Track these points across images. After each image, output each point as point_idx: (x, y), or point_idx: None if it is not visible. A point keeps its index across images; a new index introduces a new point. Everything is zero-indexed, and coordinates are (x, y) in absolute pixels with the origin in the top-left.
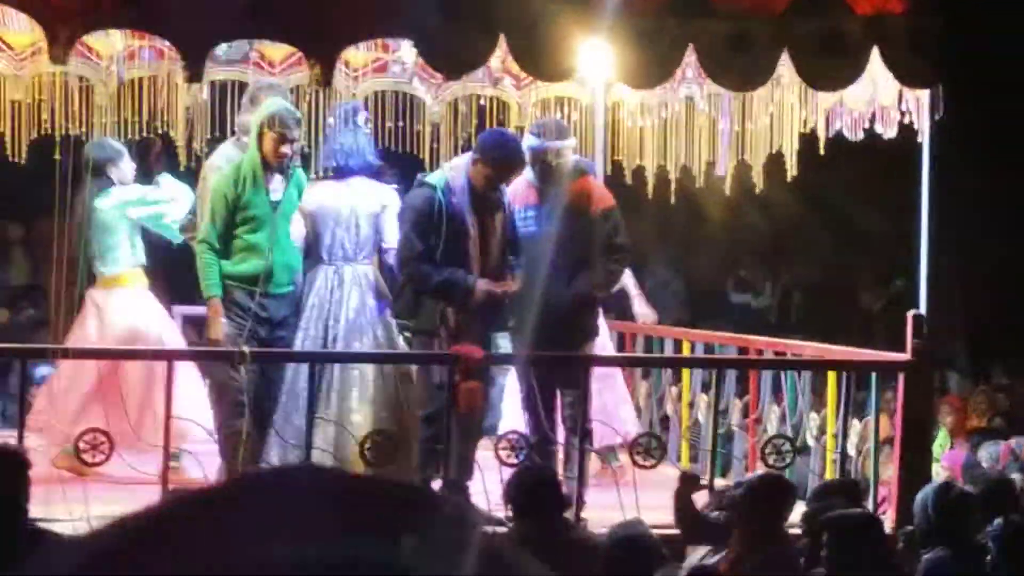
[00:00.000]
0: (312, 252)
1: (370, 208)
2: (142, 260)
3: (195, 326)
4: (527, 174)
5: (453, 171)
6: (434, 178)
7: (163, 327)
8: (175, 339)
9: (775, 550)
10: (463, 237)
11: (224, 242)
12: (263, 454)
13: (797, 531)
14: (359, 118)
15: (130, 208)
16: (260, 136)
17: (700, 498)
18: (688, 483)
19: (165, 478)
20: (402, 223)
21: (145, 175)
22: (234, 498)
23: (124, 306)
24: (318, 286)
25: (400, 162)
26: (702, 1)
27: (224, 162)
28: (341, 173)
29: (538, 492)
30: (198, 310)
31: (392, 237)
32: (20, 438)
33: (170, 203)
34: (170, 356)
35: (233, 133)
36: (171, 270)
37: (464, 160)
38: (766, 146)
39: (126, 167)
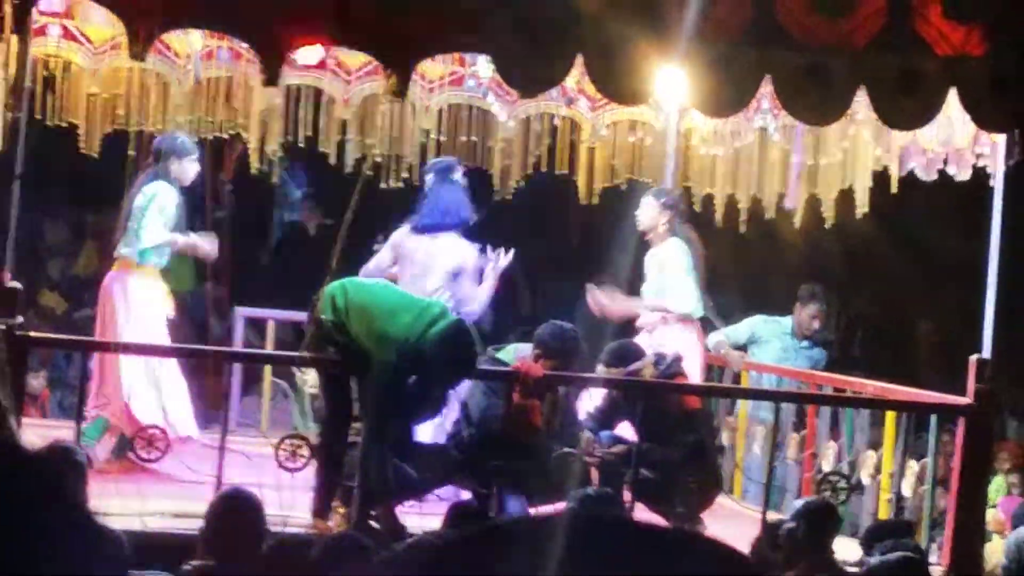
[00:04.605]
0: None
1: (447, 266)
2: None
3: (256, 328)
4: None
5: (519, 355)
6: (504, 355)
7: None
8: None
9: None
10: None
11: None
12: None
13: (853, 569)
14: (455, 175)
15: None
16: None
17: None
18: (769, 535)
19: (220, 477)
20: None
21: (220, 174)
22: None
23: (146, 292)
24: None
25: (471, 177)
26: (781, 32)
27: None
28: (435, 229)
29: None
30: (260, 312)
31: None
32: (78, 433)
33: (149, 231)
34: (233, 357)
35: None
36: (236, 272)
37: (526, 349)
38: (838, 181)
39: (189, 166)
